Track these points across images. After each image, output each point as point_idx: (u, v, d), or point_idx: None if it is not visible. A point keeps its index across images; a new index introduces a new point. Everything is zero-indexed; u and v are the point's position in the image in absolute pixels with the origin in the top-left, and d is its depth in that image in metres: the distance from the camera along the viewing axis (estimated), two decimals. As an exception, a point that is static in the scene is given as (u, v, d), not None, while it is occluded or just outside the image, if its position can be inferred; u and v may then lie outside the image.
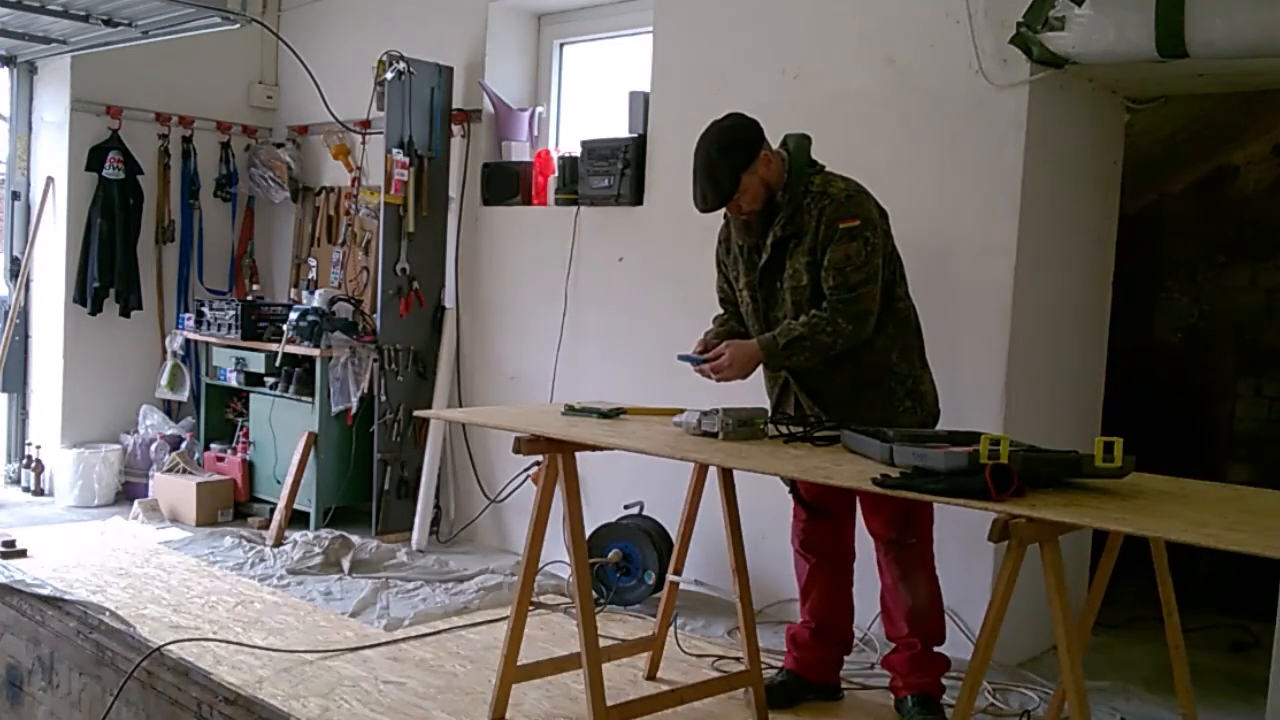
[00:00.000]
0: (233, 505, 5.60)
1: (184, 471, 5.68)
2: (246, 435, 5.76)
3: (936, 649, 3.27)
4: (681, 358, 3.21)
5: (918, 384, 3.23)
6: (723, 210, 3.23)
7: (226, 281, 6.60)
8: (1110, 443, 2.28)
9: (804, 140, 3.19)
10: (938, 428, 3.21)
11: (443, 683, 3.45)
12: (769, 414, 3.07)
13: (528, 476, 4.88)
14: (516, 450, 2.95)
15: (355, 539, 4.87)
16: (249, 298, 6.06)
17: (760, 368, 3.24)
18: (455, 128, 5.49)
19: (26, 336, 6.26)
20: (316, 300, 5.47)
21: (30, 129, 6.20)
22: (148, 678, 3.57)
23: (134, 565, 4.64)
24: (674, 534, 3.55)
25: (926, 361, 3.29)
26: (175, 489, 5.55)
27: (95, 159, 6.00)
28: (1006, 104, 3.71)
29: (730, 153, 3.07)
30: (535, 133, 5.46)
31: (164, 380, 6.11)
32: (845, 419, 2.99)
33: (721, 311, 3.45)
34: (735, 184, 3.06)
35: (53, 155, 6.08)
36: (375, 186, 5.70)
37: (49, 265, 6.14)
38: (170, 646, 3.59)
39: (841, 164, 3.24)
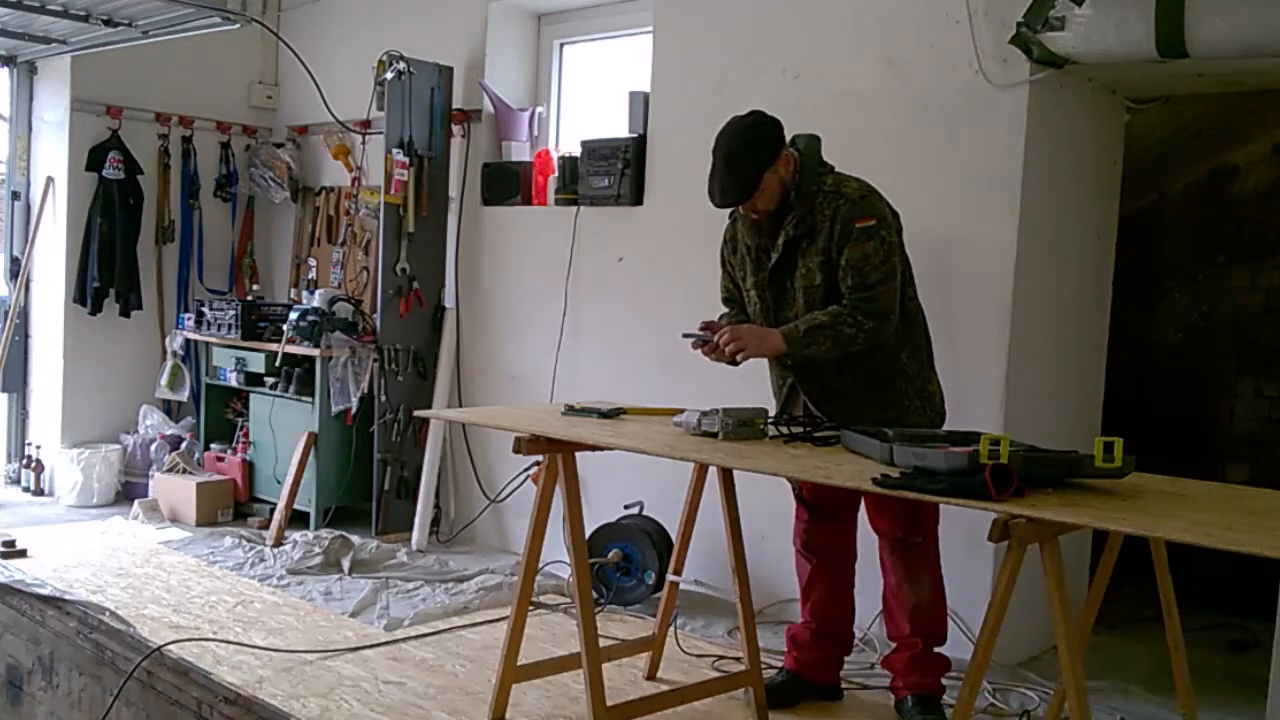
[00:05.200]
0: (233, 505, 5.60)
1: (184, 471, 5.68)
2: (246, 435, 5.76)
3: (937, 649, 3.28)
4: (685, 335, 3.18)
5: (926, 384, 3.24)
6: (728, 209, 3.23)
7: (226, 281, 6.60)
8: (1110, 443, 2.28)
9: (814, 140, 3.19)
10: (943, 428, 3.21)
11: (443, 683, 3.45)
12: (769, 414, 3.07)
13: (528, 476, 4.88)
14: (516, 450, 2.95)
15: (355, 539, 4.87)
16: (249, 298, 6.05)
17: (767, 366, 3.24)
18: (455, 128, 5.49)
19: (26, 336, 6.26)
20: (316, 300, 5.47)
21: (30, 129, 6.20)
22: (148, 678, 3.57)
23: (134, 565, 4.64)
24: (674, 534, 3.54)
25: (934, 361, 3.29)
26: (175, 489, 5.55)
27: (95, 159, 6.00)
28: (1006, 104, 3.71)
29: (755, 150, 3.05)
30: (535, 133, 5.46)
31: (164, 380, 6.11)
32: (855, 419, 2.98)
33: (726, 310, 3.44)
34: (757, 182, 3.05)
35: (53, 155, 6.08)
36: (375, 186, 5.70)
37: (49, 265, 6.13)
38: (170, 646, 3.59)
39: (842, 164, 3.24)
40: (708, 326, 3.18)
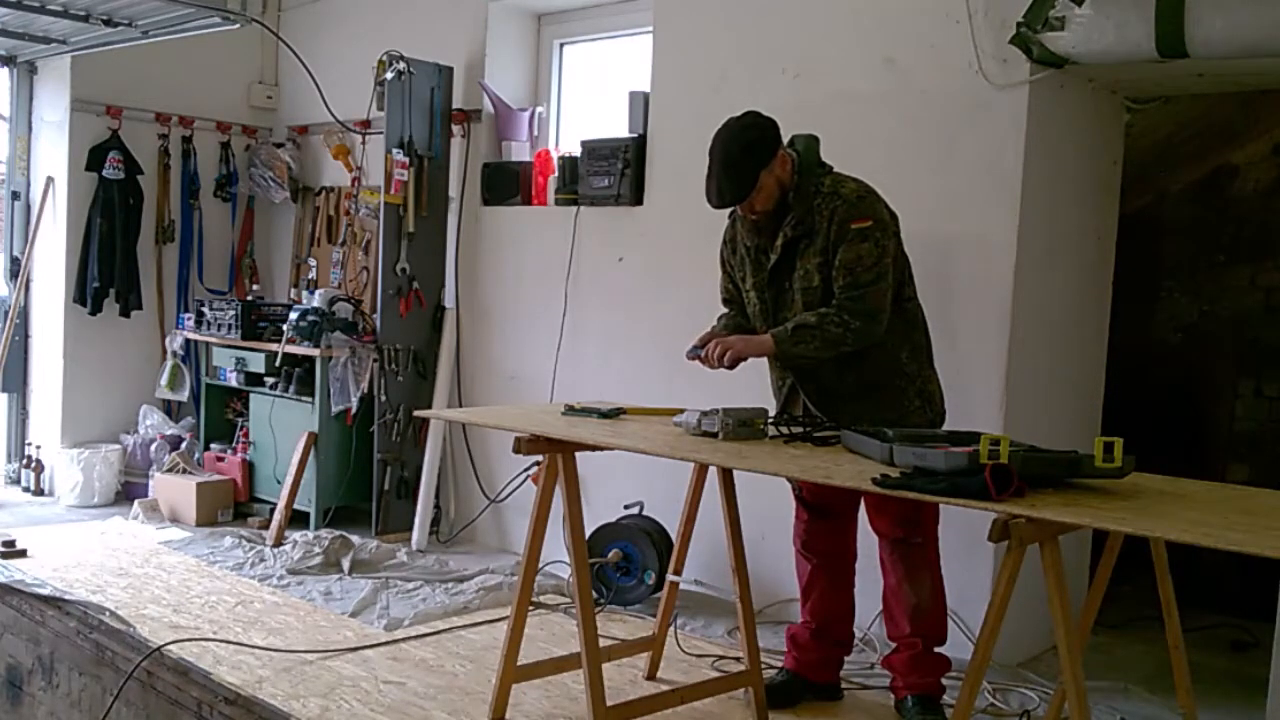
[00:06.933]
0: (233, 505, 5.60)
1: (184, 471, 5.68)
2: (246, 435, 5.76)
3: (937, 649, 3.28)
4: (689, 358, 3.22)
5: (926, 384, 3.24)
6: (728, 210, 3.23)
7: (226, 281, 6.60)
8: (1110, 443, 2.28)
9: (813, 141, 3.20)
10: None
11: (443, 683, 3.45)
12: (769, 414, 3.06)
13: (528, 476, 4.89)
14: (516, 450, 2.95)
15: (355, 539, 4.87)
16: (249, 298, 6.06)
17: (766, 367, 3.24)
18: (455, 128, 5.49)
19: (26, 336, 6.26)
20: (316, 300, 5.47)
21: (30, 129, 6.20)
22: (148, 678, 3.57)
23: (134, 565, 4.64)
24: (674, 534, 3.54)
25: (934, 362, 3.29)
26: (175, 489, 5.55)
27: (95, 159, 6.00)
28: (1006, 104, 3.71)
29: (752, 151, 3.06)
30: (535, 133, 5.46)
31: (164, 380, 6.11)
32: (855, 419, 2.99)
33: (726, 311, 3.44)
34: (754, 183, 3.06)
35: (53, 155, 6.08)
36: (375, 186, 5.70)
37: (49, 265, 6.13)
38: (170, 646, 3.59)
39: (841, 164, 3.25)
40: (702, 343, 3.21)
